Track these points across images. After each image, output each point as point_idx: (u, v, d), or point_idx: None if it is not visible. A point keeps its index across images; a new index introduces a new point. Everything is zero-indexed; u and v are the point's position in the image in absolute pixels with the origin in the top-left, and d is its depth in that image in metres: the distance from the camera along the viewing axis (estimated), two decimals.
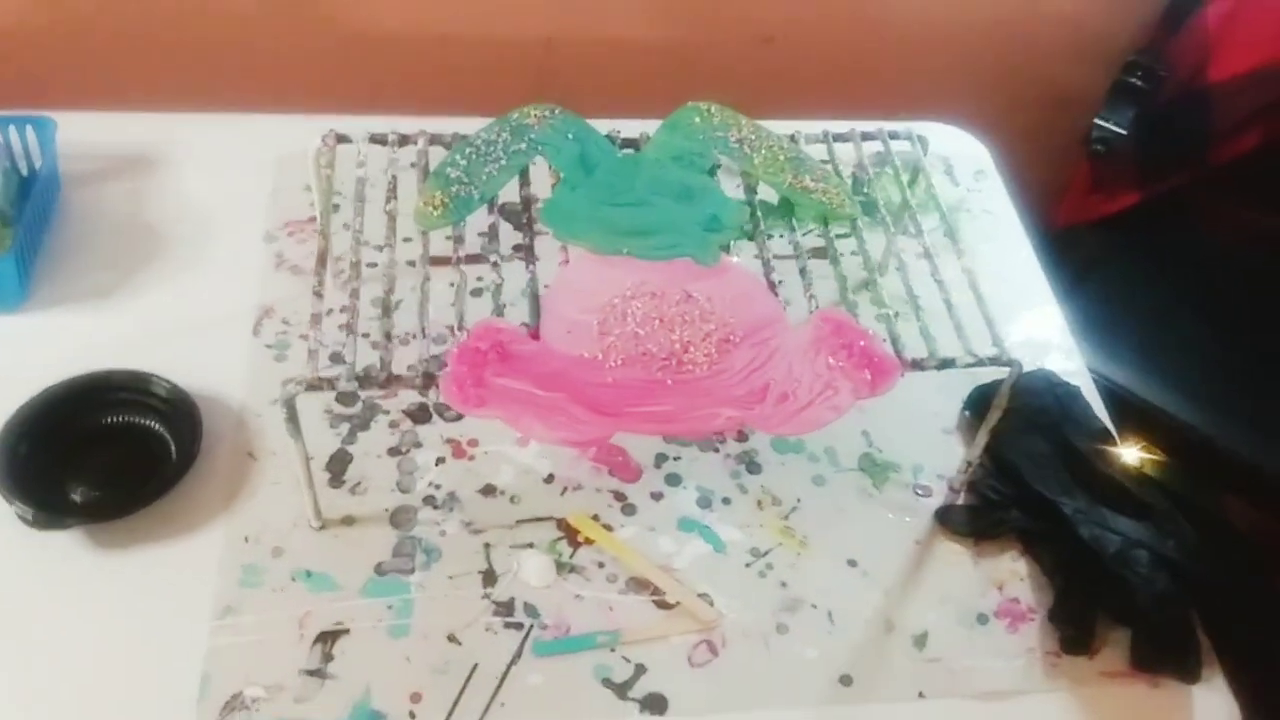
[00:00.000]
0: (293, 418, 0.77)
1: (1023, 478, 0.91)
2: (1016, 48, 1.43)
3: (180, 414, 0.90)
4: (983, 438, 0.88)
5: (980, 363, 0.81)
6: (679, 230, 0.85)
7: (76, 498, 0.87)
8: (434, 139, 0.91)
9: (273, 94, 1.25)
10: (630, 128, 0.94)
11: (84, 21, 1.27)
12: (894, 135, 0.97)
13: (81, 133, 1.08)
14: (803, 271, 0.85)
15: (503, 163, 0.88)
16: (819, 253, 0.89)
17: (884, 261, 0.99)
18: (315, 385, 0.75)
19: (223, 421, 0.92)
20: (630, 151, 0.92)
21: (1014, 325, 1.05)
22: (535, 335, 0.78)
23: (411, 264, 0.83)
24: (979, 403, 0.96)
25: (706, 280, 0.83)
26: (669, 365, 0.77)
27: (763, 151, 0.91)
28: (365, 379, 0.76)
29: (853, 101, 1.31)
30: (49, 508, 0.83)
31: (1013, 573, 0.89)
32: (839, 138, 0.96)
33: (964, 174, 1.21)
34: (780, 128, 0.94)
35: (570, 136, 0.90)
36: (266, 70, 1.34)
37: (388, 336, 0.78)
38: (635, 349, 0.77)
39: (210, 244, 1.06)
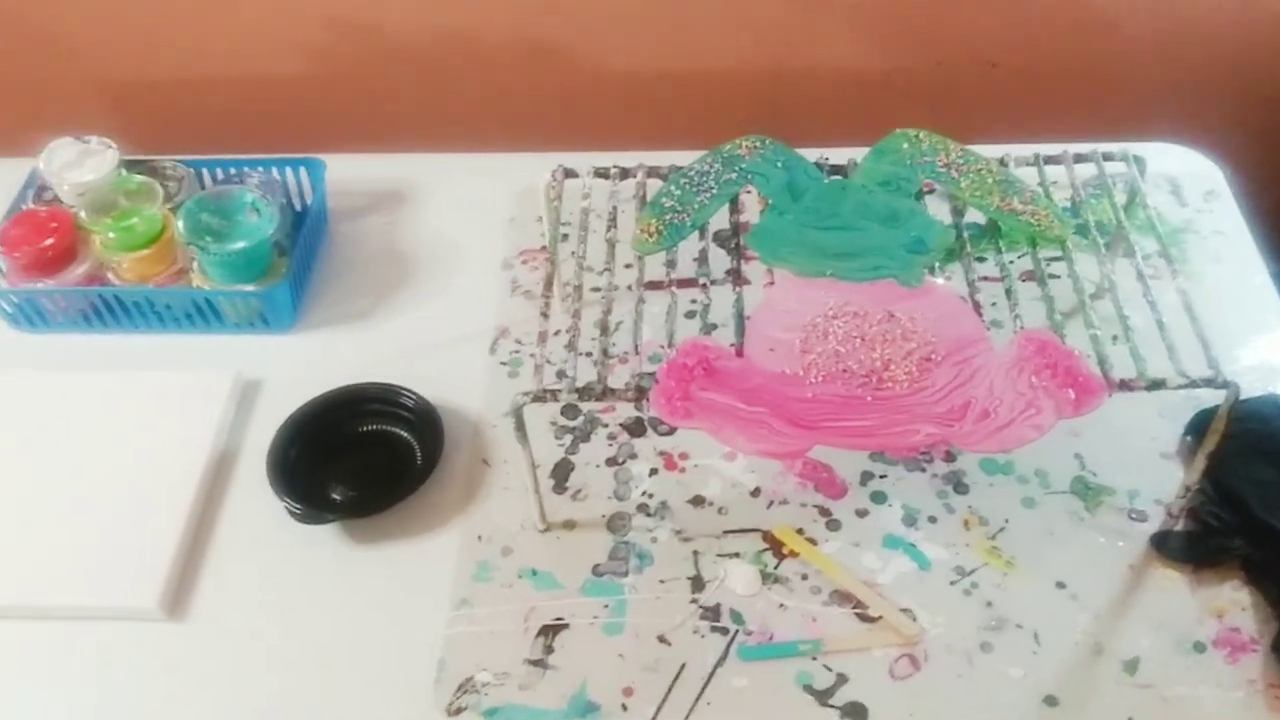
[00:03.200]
0: (520, 426, 0.85)
1: (1248, 505, 0.88)
2: (1256, 61, 1.36)
3: (426, 423, 0.99)
4: (1200, 462, 0.86)
5: (1193, 384, 0.79)
6: (883, 253, 0.88)
7: (336, 496, 0.97)
8: (651, 171, 0.98)
9: (511, 134, 1.36)
10: (840, 154, 0.97)
11: (352, 74, 1.42)
12: (1108, 156, 0.96)
13: (347, 172, 1.21)
14: (1009, 293, 0.86)
15: (714, 191, 0.93)
16: (1027, 275, 0.90)
17: (1097, 284, 0.98)
18: (540, 397, 0.82)
19: (462, 431, 1.01)
20: (838, 178, 0.95)
21: (1244, 349, 1.01)
22: (740, 353, 0.83)
23: (629, 288, 0.89)
24: (1200, 427, 0.93)
25: (910, 301, 0.85)
26: (869, 382, 0.80)
27: (971, 175, 0.93)
28: (584, 391, 0.82)
29: (1078, 124, 1.29)
30: (313, 504, 0.95)
31: (1234, 602, 0.86)
32: (1050, 159, 0.96)
33: (1193, 194, 1.17)
34: (997, 152, 0.95)
35: (779, 165, 0.95)
36: (507, 113, 1.45)
37: (605, 353, 0.85)
38: (836, 366, 0.81)
39: (454, 271, 1.16)
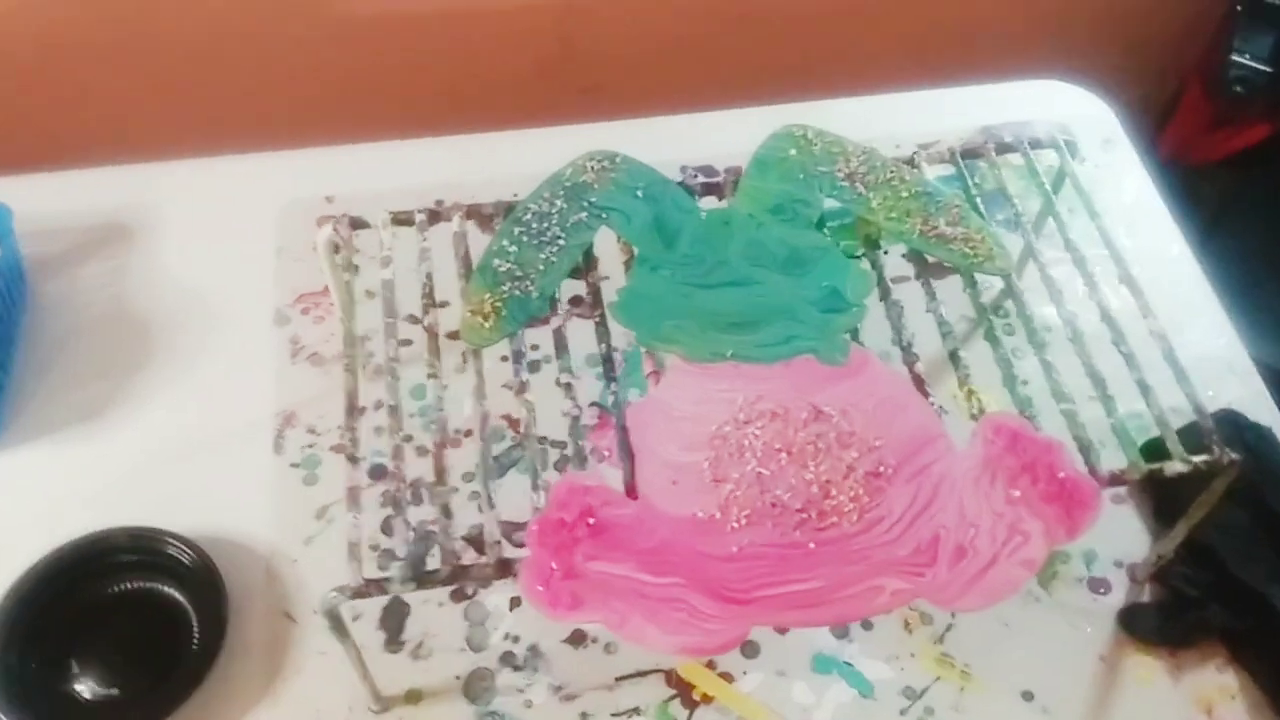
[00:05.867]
0: (339, 628, 0.61)
1: (1222, 562, 0.75)
2: None
3: (201, 579, 0.74)
4: (1179, 533, 0.71)
5: (1195, 469, 0.64)
6: (791, 315, 0.68)
7: (85, 693, 0.71)
8: (470, 212, 0.73)
9: (255, 123, 1.06)
10: (706, 160, 0.75)
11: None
12: (1036, 143, 0.78)
13: (36, 202, 0.90)
14: (954, 358, 0.68)
15: (561, 242, 0.70)
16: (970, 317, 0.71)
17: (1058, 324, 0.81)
18: (362, 594, 0.59)
19: (250, 573, 0.76)
20: (716, 204, 0.74)
21: (1185, 350, 0.87)
22: (632, 489, 0.62)
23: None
24: (1155, 456, 0.78)
25: (837, 385, 0.65)
26: (807, 519, 0.60)
27: (881, 190, 0.73)
28: (424, 579, 0.59)
29: (931, 64, 1.11)
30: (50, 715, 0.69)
31: (1221, 689, 0.73)
32: (969, 154, 0.77)
33: (1089, 144, 1.01)
34: (865, 106, 0.75)
35: (638, 194, 0.72)
36: (243, 91, 1.14)
37: (445, 510, 0.62)
38: (761, 499, 0.61)
39: (209, 335, 0.88)
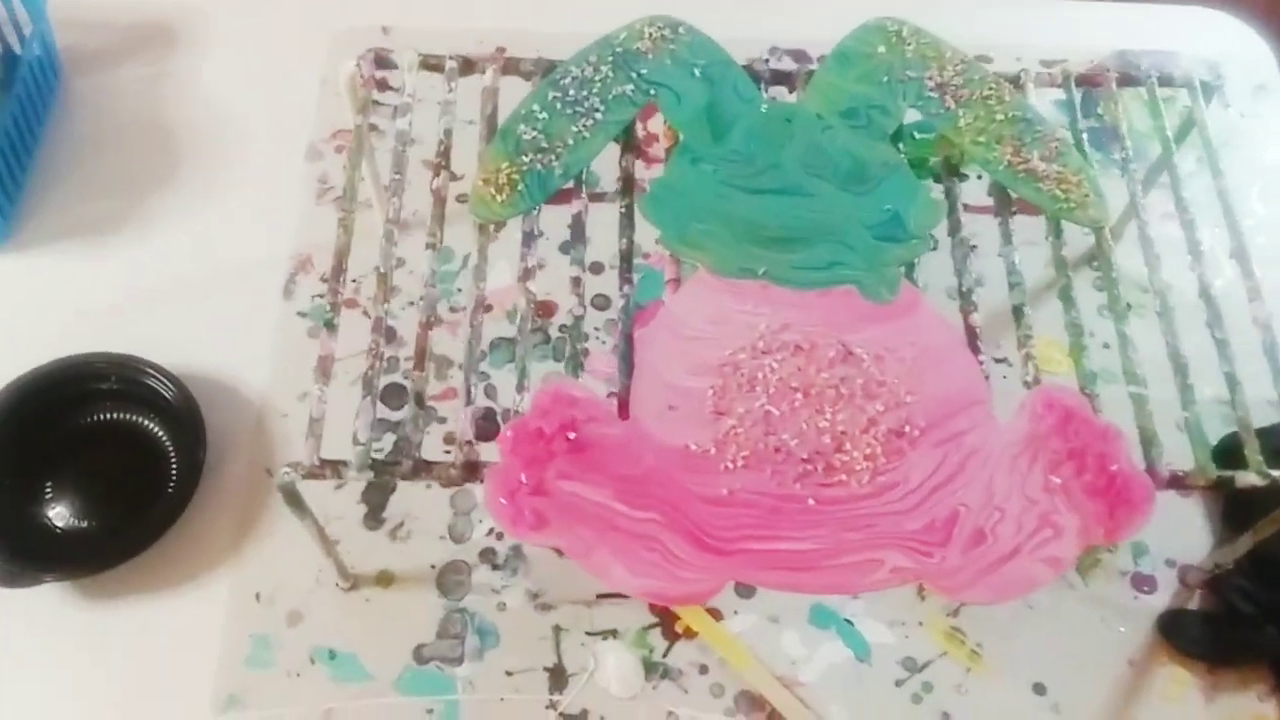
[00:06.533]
0: (296, 504, 0.57)
1: None
2: None
3: (181, 417, 0.70)
4: (1244, 543, 0.63)
5: (1273, 484, 0.55)
6: (840, 238, 0.60)
7: (56, 521, 0.69)
8: (508, 65, 0.66)
9: None
10: (789, 43, 0.66)
11: None
12: (1169, 80, 0.67)
13: None
14: (1018, 314, 0.59)
15: (599, 115, 0.62)
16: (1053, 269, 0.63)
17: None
18: (316, 474, 0.54)
19: (237, 420, 0.72)
20: (781, 100, 0.65)
21: None
22: (624, 407, 0.55)
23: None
24: (1229, 458, 0.69)
25: (876, 325, 0.57)
26: (812, 471, 0.53)
27: (974, 107, 0.63)
28: (381, 467, 0.54)
29: None
30: (22, 545, 0.66)
31: (1258, 718, 0.65)
32: (1086, 81, 0.67)
33: (1239, 91, 0.88)
34: (982, 6, 0.65)
35: (696, 73, 0.64)
36: None
37: (419, 400, 0.56)
38: (765, 441, 0.54)
39: (238, 160, 0.83)
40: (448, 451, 0.55)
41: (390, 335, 0.76)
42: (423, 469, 0.54)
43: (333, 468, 0.54)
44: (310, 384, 0.72)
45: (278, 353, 0.75)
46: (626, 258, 0.60)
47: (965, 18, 0.74)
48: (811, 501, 0.53)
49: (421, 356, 0.57)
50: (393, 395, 0.74)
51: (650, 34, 0.65)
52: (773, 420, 0.54)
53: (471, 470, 0.54)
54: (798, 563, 0.51)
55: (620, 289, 0.59)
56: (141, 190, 0.82)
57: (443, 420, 0.72)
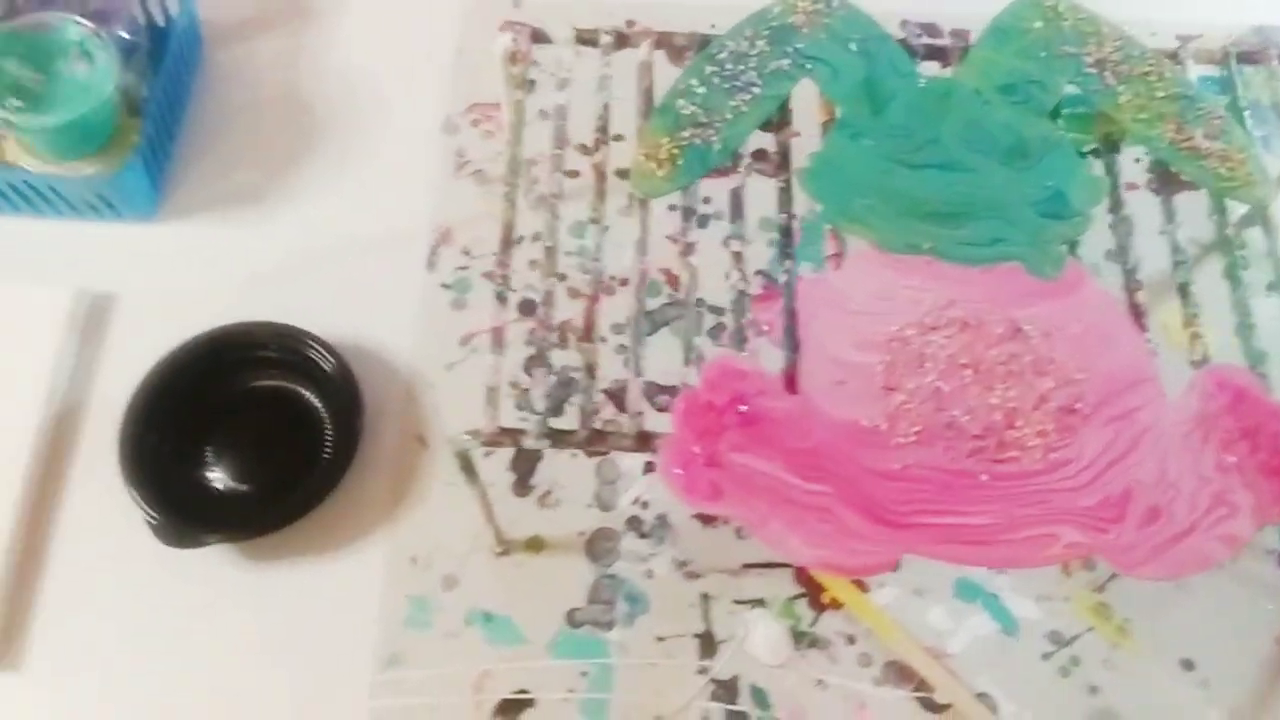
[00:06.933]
0: (469, 470, 0.59)
1: None
2: None
3: (339, 386, 0.72)
4: None
5: None
6: (1004, 214, 0.60)
7: (215, 483, 0.72)
8: (662, 40, 0.66)
9: None
10: (929, 16, 0.66)
11: None
12: None
13: None
14: (1183, 292, 0.59)
15: (757, 90, 0.63)
16: (1212, 250, 0.62)
17: None
18: (494, 441, 0.56)
19: (387, 390, 0.74)
20: (938, 75, 0.65)
21: None
22: (791, 382, 0.56)
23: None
24: None
25: (1042, 302, 0.57)
26: (984, 448, 0.54)
27: (1134, 83, 0.63)
28: (558, 436, 0.56)
29: None
30: (184, 501, 0.69)
31: None
32: (1247, 58, 0.66)
33: None
34: None
35: (852, 47, 0.64)
36: None
37: (590, 369, 0.57)
38: (937, 416, 0.54)
39: (375, 132, 0.85)
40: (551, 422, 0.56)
41: (530, 308, 0.77)
42: (597, 438, 0.55)
43: (511, 435, 0.56)
44: (456, 353, 0.74)
45: (422, 323, 0.77)
46: (786, 232, 0.61)
47: None
48: (984, 477, 0.53)
49: (589, 329, 0.58)
50: (535, 367, 0.75)
51: (804, 8, 0.65)
52: (943, 396, 0.55)
53: (644, 440, 0.55)
54: (973, 537, 0.52)
55: (782, 264, 0.60)
56: (282, 162, 0.83)
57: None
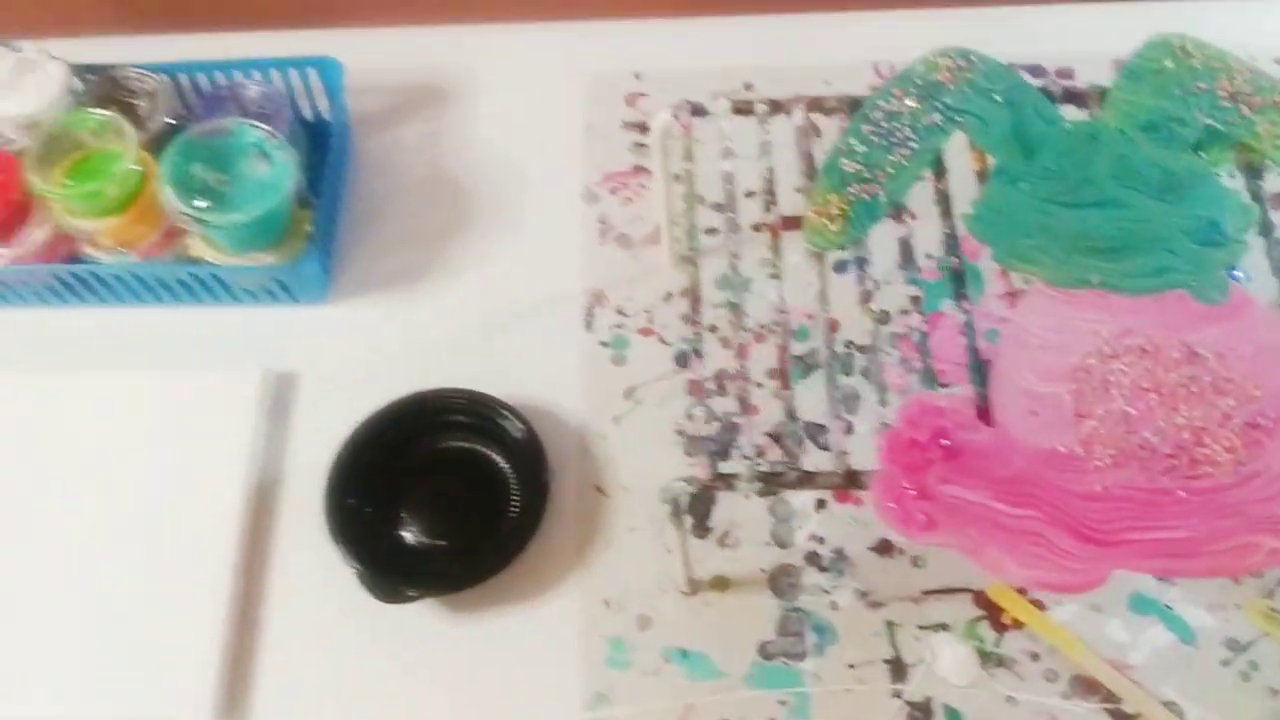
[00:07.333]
0: (676, 515, 0.63)
1: None
2: None
3: (526, 451, 0.77)
4: None
5: None
6: (1165, 245, 0.64)
7: (410, 538, 0.76)
8: (812, 103, 0.71)
9: None
10: (1057, 61, 0.71)
11: None
12: None
13: (354, 56, 0.91)
14: None
15: (913, 145, 0.67)
16: None
17: None
18: (711, 486, 0.60)
19: (562, 443, 0.79)
20: (1080, 118, 0.69)
21: None
22: (984, 414, 0.60)
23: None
24: None
25: (1213, 326, 0.61)
26: (1177, 466, 0.57)
27: (1269, 113, 0.67)
28: (770, 479, 0.60)
29: None
30: (384, 558, 0.74)
31: None
32: None
33: None
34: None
35: (996, 98, 0.68)
36: None
37: (791, 415, 0.61)
38: (1128, 439, 0.58)
39: (522, 205, 0.90)
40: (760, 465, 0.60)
41: (686, 360, 0.81)
42: (807, 480, 0.59)
43: (726, 481, 0.60)
44: (621, 406, 0.78)
45: (588, 380, 0.81)
46: (957, 275, 0.65)
47: (1217, 21, 0.77)
48: (1182, 493, 0.57)
49: (785, 375, 0.63)
50: (745, 412, 0.79)
51: (945, 65, 0.69)
52: (1132, 420, 0.58)
53: (852, 478, 0.59)
54: (1178, 550, 0.55)
55: (959, 304, 0.64)
56: (437, 239, 0.89)
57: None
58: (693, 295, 0.65)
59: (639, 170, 0.90)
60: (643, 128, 0.92)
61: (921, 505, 0.56)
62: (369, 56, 0.93)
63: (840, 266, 0.75)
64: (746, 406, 0.62)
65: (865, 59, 0.93)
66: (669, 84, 0.95)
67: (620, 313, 0.84)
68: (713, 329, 0.82)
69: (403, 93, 0.96)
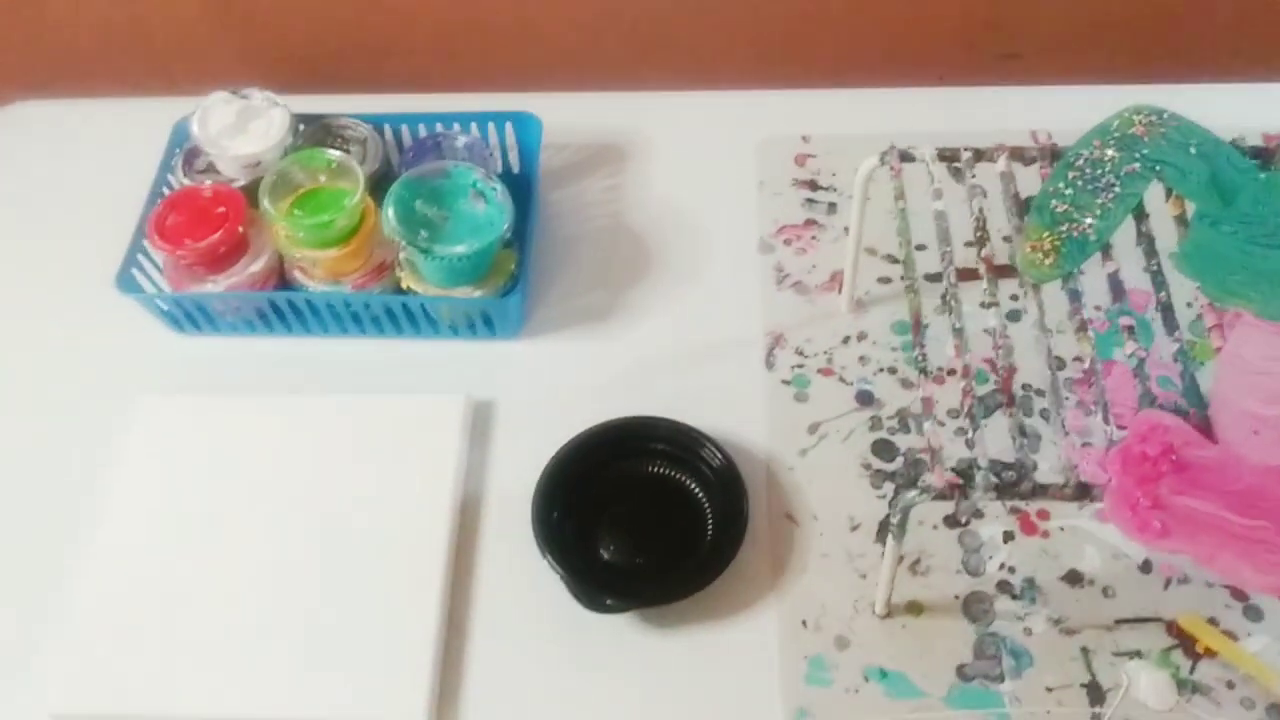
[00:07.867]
0: (901, 528, 0.66)
1: None
2: None
3: (724, 479, 0.80)
4: None
5: None
6: None
7: (606, 555, 0.79)
8: (1014, 152, 0.76)
9: (732, 64, 1.11)
10: (1250, 127, 0.76)
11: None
12: None
13: (544, 117, 0.98)
14: None
15: (1117, 190, 0.72)
16: None
17: None
18: (944, 495, 0.63)
19: (751, 474, 0.82)
20: (1269, 168, 0.74)
21: None
22: (1207, 432, 0.63)
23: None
24: None
25: None
26: None
27: None
28: (1004, 489, 0.63)
29: None
30: (589, 574, 0.77)
31: None
32: None
33: None
34: None
35: (1192, 150, 0.73)
36: (742, 33, 1.19)
37: (1021, 430, 0.65)
38: None
39: (700, 255, 0.95)
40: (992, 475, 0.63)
41: (867, 399, 0.85)
42: (1039, 491, 0.63)
43: (961, 490, 0.63)
44: (806, 440, 0.82)
45: (771, 415, 0.85)
46: (1167, 308, 0.69)
47: None
48: None
49: (1010, 399, 0.66)
50: (883, 450, 0.83)
51: (1140, 120, 0.74)
52: None
53: (1083, 490, 0.62)
54: None
55: (1171, 335, 0.68)
56: (620, 283, 0.94)
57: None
58: (915, 320, 0.70)
59: (810, 224, 0.96)
60: (813, 185, 0.98)
61: (1156, 514, 0.59)
62: (556, 116, 0.99)
63: (1013, 315, 0.79)
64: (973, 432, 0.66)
65: (1023, 128, 0.98)
66: (834, 147, 1.00)
67: (800, 353, 0.88)
68: (881, 369, 0.87)
69: (585, 150, 1.02)
